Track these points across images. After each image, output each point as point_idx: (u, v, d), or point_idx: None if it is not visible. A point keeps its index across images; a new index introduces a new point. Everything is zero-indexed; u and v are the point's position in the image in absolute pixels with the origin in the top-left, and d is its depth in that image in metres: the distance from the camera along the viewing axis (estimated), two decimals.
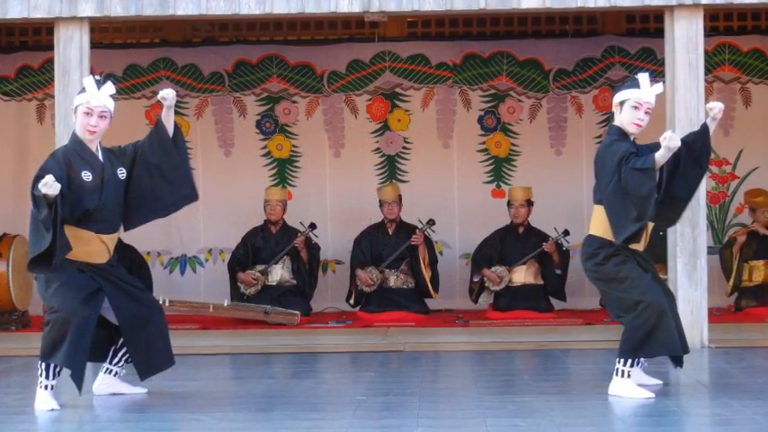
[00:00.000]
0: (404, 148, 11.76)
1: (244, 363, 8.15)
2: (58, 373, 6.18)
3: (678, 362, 6.56)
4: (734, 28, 11.78)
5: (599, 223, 6.37)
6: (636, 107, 6.29)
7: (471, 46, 11.69)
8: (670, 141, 6.06)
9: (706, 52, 8.75)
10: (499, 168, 11.72)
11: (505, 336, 9.24)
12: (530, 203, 10.94)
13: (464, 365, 7.97)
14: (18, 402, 6.42)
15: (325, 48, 11.77)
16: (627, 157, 6.14)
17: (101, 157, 6.31)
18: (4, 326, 10.04)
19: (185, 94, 11.59)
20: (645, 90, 6.28)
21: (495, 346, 8.62)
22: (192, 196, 6.56)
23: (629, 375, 6.29)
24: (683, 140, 6.26)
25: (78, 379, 6.13)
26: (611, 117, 6.68)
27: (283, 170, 11.76)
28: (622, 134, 6.34)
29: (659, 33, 9.28)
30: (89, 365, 6.32)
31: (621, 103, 6.34)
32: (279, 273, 10.86)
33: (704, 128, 6.38)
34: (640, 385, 6.33)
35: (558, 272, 10.79)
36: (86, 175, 6.20)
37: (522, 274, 10.80)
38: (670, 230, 8.36)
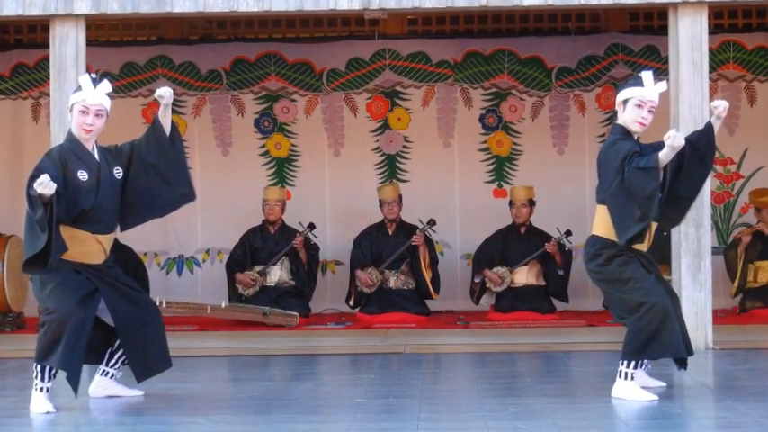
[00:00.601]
0: (404, 147, 11.70)
1: (242, 364, 8.13)
2: (54, 375, 6.16)
3: (682, 364, 6.55)
4: (738, 25, 11.73)
5: (602, 223, 6.34)
6: (639, 106, 6.27)
7: (472, 44, 11.64)
8: (674, 140, 6.02)
9: (710, 50, 8.70)
10: (501, 168, 11.66)
11: (507, 337, 9.20)
12: (532, 203, 10.90)
13: (465, 367, 7.95)
14: (13, 405, 6.39)
15: (324, 45, 11.71)
16: (630, 157, 6.11)
17: (97, 156, 6.30)
18: None
19: (182, 93, 11.54)
20: (648, 88, 6.26)
21: (496, 348, 8.60)
22: (189, 196, 6.55)
23: (632, 377, 6.27)
24: (687, 139, 6.22)
25: (74, 381, 6.11)
26: (614, 116, 6.65)
27: (282, 169, 11.71)
28: (626, 133, 6.31)
29: (663, 31, 9.22)
30: (85, 368, 6.33)
31: (625, 102, 6.31)
32: (277, 273, 10.81)
33: (708, 127, 6.38)
34: (644, 387, 6.30)
35: (561, 272, 10.76)
36: (82, 175, 6.19)
37: (524, 275, 10.76)
38: (674, 231, 8.34)
